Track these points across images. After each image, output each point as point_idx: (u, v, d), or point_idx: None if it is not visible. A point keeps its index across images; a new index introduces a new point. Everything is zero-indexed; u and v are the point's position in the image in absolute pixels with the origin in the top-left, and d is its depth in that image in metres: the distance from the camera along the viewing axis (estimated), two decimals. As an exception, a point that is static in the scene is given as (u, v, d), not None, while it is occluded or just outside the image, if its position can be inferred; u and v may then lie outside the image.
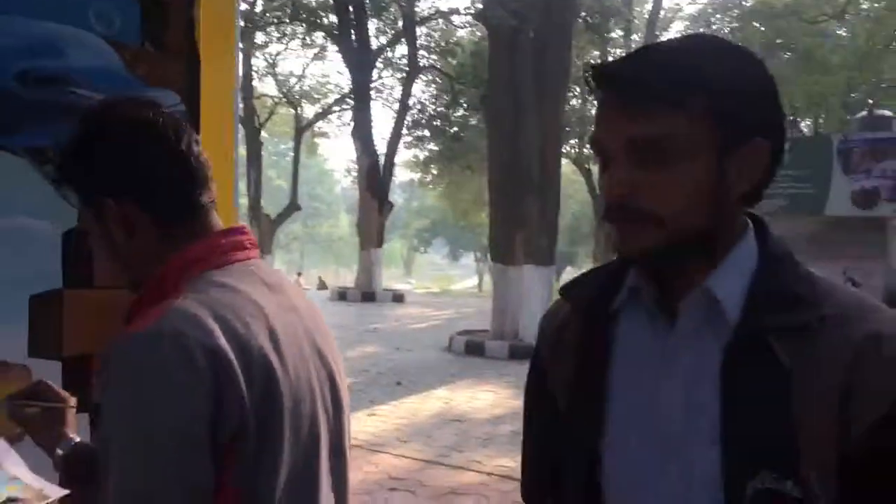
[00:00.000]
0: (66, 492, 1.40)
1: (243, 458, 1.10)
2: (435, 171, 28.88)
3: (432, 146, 26.59)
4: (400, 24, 23.69)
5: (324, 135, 33.60)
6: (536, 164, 12.26)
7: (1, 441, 1.45)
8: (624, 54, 1.02)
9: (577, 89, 20.05)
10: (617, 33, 23.26)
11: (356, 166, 25.21)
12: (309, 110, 30.24)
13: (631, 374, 1.06)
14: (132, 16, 1.78)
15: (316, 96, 30.16)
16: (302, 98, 29.60)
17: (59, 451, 1.43)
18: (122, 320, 1.23)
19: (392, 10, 23.74)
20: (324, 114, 29.45)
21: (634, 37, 24.24)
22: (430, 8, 22.03)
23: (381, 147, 23.82)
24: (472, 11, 20.23)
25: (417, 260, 61.14)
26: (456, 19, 24.34)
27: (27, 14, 1.61)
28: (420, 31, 24.06)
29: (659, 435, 1.01)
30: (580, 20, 17.12)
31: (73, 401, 1.47)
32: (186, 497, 1.04)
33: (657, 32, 23.85)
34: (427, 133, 26.09)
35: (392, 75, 27.08)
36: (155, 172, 1.21)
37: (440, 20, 24.44)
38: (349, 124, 24.97)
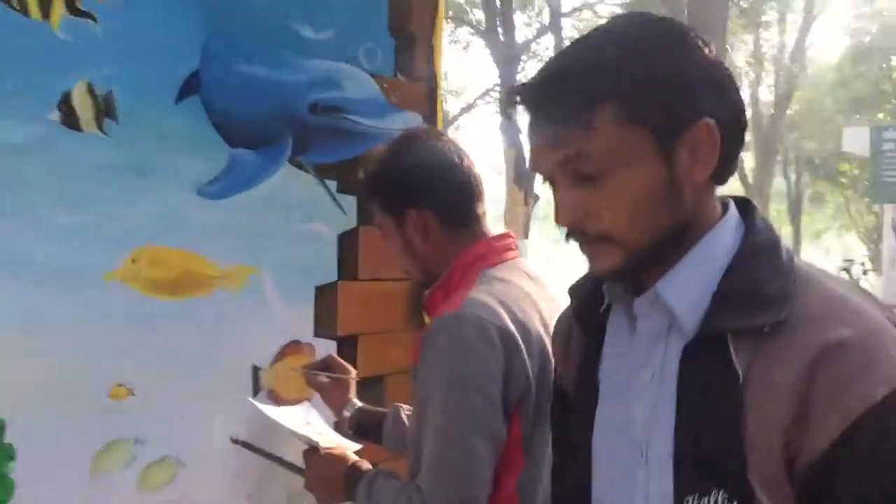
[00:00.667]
0: (359, 446, 1.74)
1: (525, 416, 1.39)
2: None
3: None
4: (546, 16, 23.78)
5: (463, 129, 34.05)
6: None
7: (306, 403, 1.81)
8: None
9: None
10: (771, 16, 22.47)
11: (499, 160, 25.47)
12: (453, 106, 30.74)
13: (613, 381, 1.03)
14: (388, 50, 2.12)
15: (459, 91, 30.61)
16: (448, 93, 30.12)
17: (346, 413, 1.78)
18: (424, 306, 1.55)
19: (538, 3, 23.87)
20: (468, 108, 29.85)
21: (790, 17, 23.32)
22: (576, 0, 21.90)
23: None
24: (619, 2, 20.07)
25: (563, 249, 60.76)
26: (601, 9, 24.15)
27: (318, 56, 1.96)
28: (565, 22, 24.05)
29: (629, 447, 0.98)
30: (732, 4, 16.71)
31: (354, 373, 1.81)
32: (487, 439, 1.34)
33: (815, 12, 22.84)
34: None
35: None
36: (448, 187, 1.51)
37: (585, 10, 24.34)
38: (492, 118, 25.23)
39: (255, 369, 1.89)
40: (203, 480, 1.81)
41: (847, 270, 20.35)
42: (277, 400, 1.91)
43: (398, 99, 2.13)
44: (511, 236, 1.60)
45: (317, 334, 2.01)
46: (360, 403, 1.82)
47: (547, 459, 1.37)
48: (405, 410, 1.78)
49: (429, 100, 2.22)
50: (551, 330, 1.38)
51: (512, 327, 1.37)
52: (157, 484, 1.75)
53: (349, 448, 1.71)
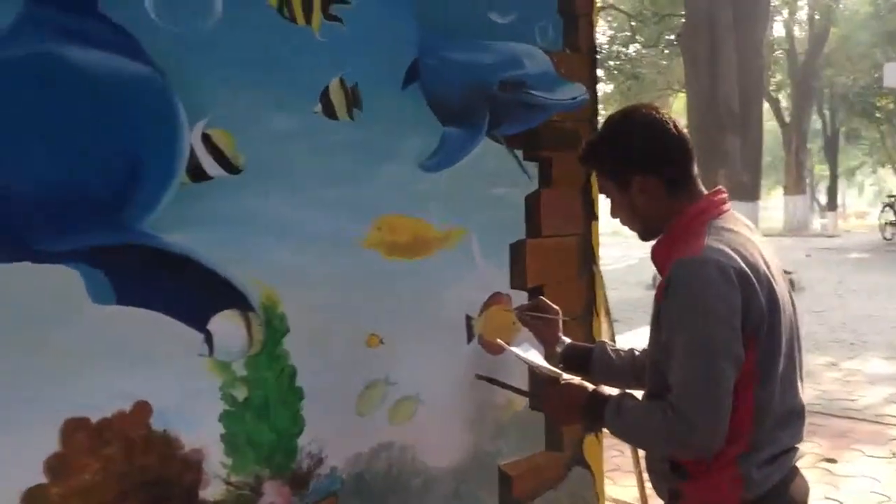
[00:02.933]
0: (576, 378, 1.99)
1: (759, 345, 1.64)
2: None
3: (608, 88, 26.44)
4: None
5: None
6: (736, 100, 12.23)
7: (525, 343, 2.07)
8: None
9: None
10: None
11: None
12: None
13: None
14: (557, 27, 2.35)
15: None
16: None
17: (558, 349, 2.04)
18: (652, 257, 1.79)
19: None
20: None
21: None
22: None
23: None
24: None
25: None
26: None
27: (501, 38, 2.21)
28: None
29: None
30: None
31: (561, 313, 2.06)
32: (730, 359, 1.59)
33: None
34: (601, 74, 25.95)
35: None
36: (669, 153, 1.75)
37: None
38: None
39: (469, 318, 2.17)
40: (436, 414, 2.10)
41: (891, 206, 20.38)
42: (486, 345, 2.19)
43: (566, 71, 2.37)
44: (723, 192, 1.83)
45: (512, 286, 2.28)
46: (568, 340, 2.06)
47: (777, 377, 1.64)
48: (609, 345, 2.03)
49: (590, 70, 2.46)
50: (773, 272, 1.62)
51: (746, 269, 1.62)
52: (402, 418, 2.04)
53: (563, 377, 1.96)
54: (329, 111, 1.86)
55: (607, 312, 5.48)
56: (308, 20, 1.81)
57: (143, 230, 1.58)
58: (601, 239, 2.58)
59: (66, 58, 1.50)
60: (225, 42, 1.68)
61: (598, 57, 2.48)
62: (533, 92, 2.26)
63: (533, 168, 2.33)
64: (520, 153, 2.28)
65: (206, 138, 1.65)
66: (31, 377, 1.46)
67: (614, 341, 3.27)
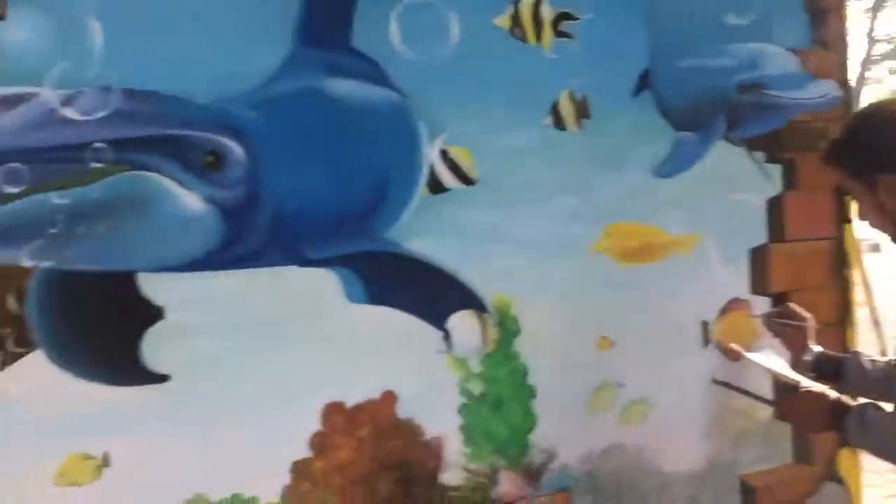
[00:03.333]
0: (818, 386, 1.90)
1: None
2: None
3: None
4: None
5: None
6: None
7: (768, 350, 2.02)
8: None
9: None
10: None
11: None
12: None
13: None
14: (804, 25, 2.27)
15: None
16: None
17: (807, 358, 1.96)
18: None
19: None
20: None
21: None
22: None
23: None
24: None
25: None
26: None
27: (741, 40, 2.17)
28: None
29: None
30: None
31: (813, 321, 1.98)
32: None
33: None
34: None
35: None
36: None
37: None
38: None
39: (705, 324, 2.16)
40: (669, 418, 2.11)
41: None
42: (723, 350, 2.17)
43: (815, 69, 2.27)
44: None
45: (752, 292, 2.23)
46: (818, 348, 1.97)
47: None
48: (864, 356, 1.93)
49: (841, 67, 2.34)
50: None
51: None
52: (634, 420, 2.08)
53: (809, 386, 1.88)
54: (559, 123, 1.95)
55: (876, 323, 5.06)
56: (538, 39, 1.92)
57: (389, 238, 1.78)
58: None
59: (328, 89, 1.73)
60: (460, 66, 1.84)
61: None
62: (774, 93, 2.20)
63: (777, 170, 2.26)
64: (761, 155, 2.23)
65: (444, 154, 1.82)
66: (298, 365, 1.70)
67: (885, 354, 3.04)
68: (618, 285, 2.05)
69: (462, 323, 1.86)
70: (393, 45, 1.77)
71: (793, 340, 1.98)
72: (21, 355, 1.46)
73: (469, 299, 1.87)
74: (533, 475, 1.97)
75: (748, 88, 2.18)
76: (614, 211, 2.04)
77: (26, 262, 1.45)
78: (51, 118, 1.46)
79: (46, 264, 1.46)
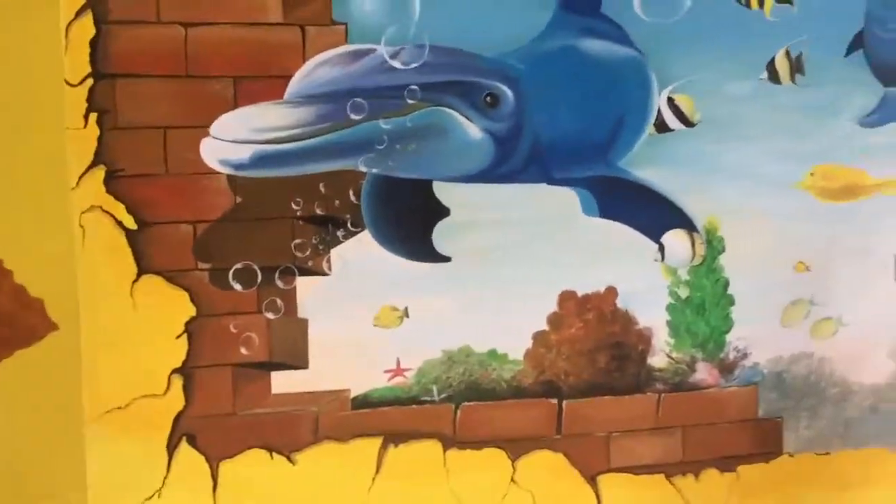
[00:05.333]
0: None
1: None
2: None
3: None
4: None
5: None
6: None
7: None
8: None
9: None
10: None
11: None
12: None
13: None
14: None
15: None
16: None
17: None
18: None
19: None
20: None
21: None
22: None
23: None
24: None
25: None
26: None
27: None
28: None
29: None
30: None
31: None
32: None
33: None
34: None
35: None
36: None
37: None
38: None
39: (900, 258, 2.45)
40: (857, 337, 2.44)
41: None
42: (916, 284, 2.44)
43: None
44: None
45: None
46: None
47: None
48: None
49: None
50: None
51: None
52: (824, 334, 2.44)
53: None
54: (774, 77, 2.31)
55: None
56: (761, 5, 2.28)
57: (621, 166, 2.26)
58: None
59: (580, 47, 2.22)
60: (690, 28, 2.24)
61: None
62: None
63: None
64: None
65: (671, 101, 2.25)
66: (543, 259, 2.24)
67: None
68: (818, 217, 2.38)
69: (675, 238, 2.31)
70: (635, 10, 2.21)
71: None
72: (356, 233, 2.12)
73: (682, 219, 2.30)
74: (727, 368, 2.40)
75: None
76: (820, 155, 2.36)
77: (362, 168, 2.08)
78: (383, 67, 2.07)
79: (374, 171, 2.09)
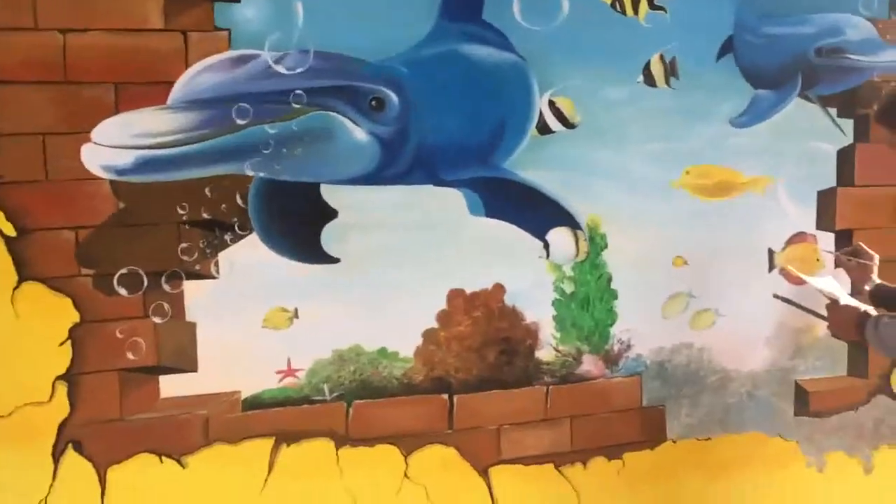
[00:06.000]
0: (857, 301, 2.26)
1: None
2: None
3: None
4: None
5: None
6: None
7: (829, 277, 2.40)
8: None
9: None
10: None
11: None
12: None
13: None
14: (884, -3, 2.58)
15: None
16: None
17: (867, 288, 2.34)
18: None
19: None
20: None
21: None
22: None
23: None
24: None
25: None
26: None
27: (823, 10, 2.53)
28: None
29: None
30: None
31: (877, 258, 2.35)
32: None
33: None
34: None
35: None
36: None
37: None
38: None
39: (770, 252, 2.59)
40: (734, 326, 2.58)
41: None
42: (787, 276, 2.59)
43: (892, 37, 2.59)
44: None
45: (818, 227, 2.62)
46: (878, 281, 2.34)
47: None
48: None
49: (919, 35, 2.63)
50: None
51: None
52: (702, 325, 2.56)
53: (861, 305, 2.24)
54: (650, 81, 2.42)
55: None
56: (636, 12, 2.39)
57: (505, 167, 2.33)
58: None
59: (463, 52, 2.28)
60: (568, 34, 2.33)
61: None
62: (852, 57, 2.56)
63: (849, 124, 2.62)
64: (834, 111, 2.59)
65: (552, 104, 2.34)
66: (430, 258, 2.30)
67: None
68: (694, 215, 2.50)
69: (559, 236, 2.39)
70: (515, 17, 2.29)
71: (859, 274, 2.37)
72: (243, 236, 2.14)
73: (566, 217, 2.39)
74: (612, 360, 2.50)
75: (826, 52, 2.53)
76: (696, 156, 2.48)
77: (248, 172, 2.11)
78: (267, 72, 2.10)
79: (261, 174, 2.12)
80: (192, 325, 2.12)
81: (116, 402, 2.08)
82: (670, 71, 2.42)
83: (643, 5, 2.38)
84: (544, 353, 2.43)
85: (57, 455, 2.04)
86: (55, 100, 1.96)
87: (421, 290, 2.29)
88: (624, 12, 2.38)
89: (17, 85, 1.94)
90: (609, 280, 2.45)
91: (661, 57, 2.41)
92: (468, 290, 2.34)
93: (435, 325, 2.32)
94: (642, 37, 2.40)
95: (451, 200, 2.29)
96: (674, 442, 2.57)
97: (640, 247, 2.47)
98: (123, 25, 1.99)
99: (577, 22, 2.34)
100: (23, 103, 1.94)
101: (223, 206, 2.10)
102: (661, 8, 2.40)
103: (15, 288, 1.98)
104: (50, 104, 1.96)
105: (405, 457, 2.31)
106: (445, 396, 2.34)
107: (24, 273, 1.98)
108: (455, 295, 2.34)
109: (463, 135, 2.29)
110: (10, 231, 1.97)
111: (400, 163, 2.22)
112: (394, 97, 2.18)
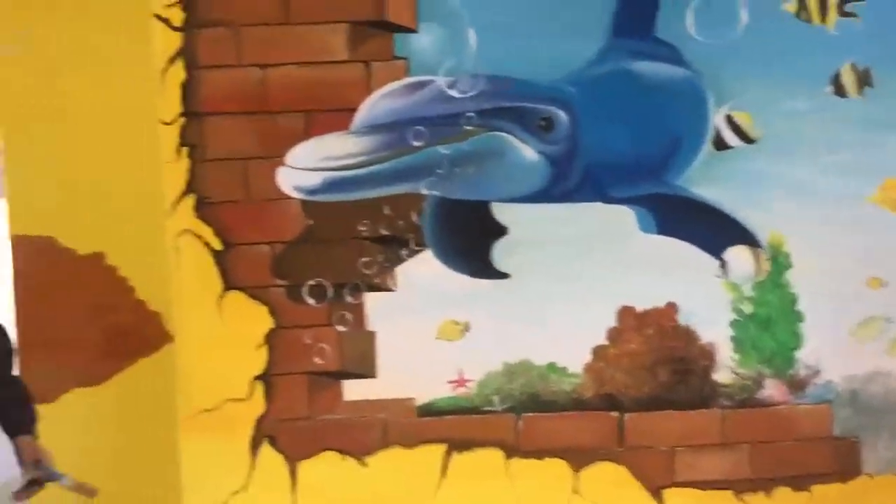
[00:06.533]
0: None
1: None
2: None
3: None
4: None
5: None
6: None
7: None
8: None
9: None
10: None
11: None
12: None
13: None
14: None
15: None
16: None
17: None
18: None
19: None
20: None
21: None
22: None
23: None
24: None
25: None
26: None
27: None
28: None
29: None
30: None
31: None
32: None
33: None
34: None
35: None
36: None
37: None
38: None
39: None
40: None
41: None
42: None
43: None
44: None
45: None
46: None
47: None
48: None
49: None
50: None
51: None
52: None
53: None
54: (840, 91, 2.29)
55: None
56: (823, 20, 2.28)
57: (678, 184, 2.30)
58: None
59: (634, 69, 2.29)
60: (747, 45, 2.27)
61: None
62: None
63: None
64: None
65: (729, 118, 2.28)
66: (601, 276, 2.32)
67: None
68: (891, 232, 2.33)
69: (738, 254, 2.32)
70: (688, 30, 2.26)
71: None
72: (418, 251, 2.28)
73: (744, 235, 2.32)
74: (797, 385, 2.37)
75: None
76: (889, 168, 2.31)
77: (424, 191, 2.24)
78: (441, 96, 2.23)
79: (435, 193, 2.25)
80: (372, 334, 2.28)
81: (305, 402, 2.28)
82: (864, 80, 2.28)
83: (832, 12, 2.26)
84: (722, 375, 2.36)
85: (254, 448, 2.27)
86: (254, 128, 2.21)
87: (589, 306, 2.31)
88: (810, 21, 2.28)
89: (223, 116, 2.20)
90: (794, 301, 2.34)
91: (853, 66, 2.28)
92: (638, 308, 2.33)
93: (604, 341, 2.33)
94: (831, 45, 2.28)
95: (620, 217, 2.30)
96: (870, 476, 2.38)
97: (828, 266, 2.34)
98: (312, 58, 2.20)
99: (756, 33, 2.27)
100: (227, 132, 2.19)
101: (400, 223, 2.25)
102: (852, 15, 2.27)
103: (221, 296, 2.23)
104: (250, 132, 2.20)
105: (575, 471, 2.33)
106: (615, 414, 2.34)
107: (228, 283, 2.23)
108: (626, 312, 2.33)
109: (633, 152, 2.29)
110: (217, 245, 2.22)
111: (569, 181, 2.27)
112: (563, 116, 2.23)
